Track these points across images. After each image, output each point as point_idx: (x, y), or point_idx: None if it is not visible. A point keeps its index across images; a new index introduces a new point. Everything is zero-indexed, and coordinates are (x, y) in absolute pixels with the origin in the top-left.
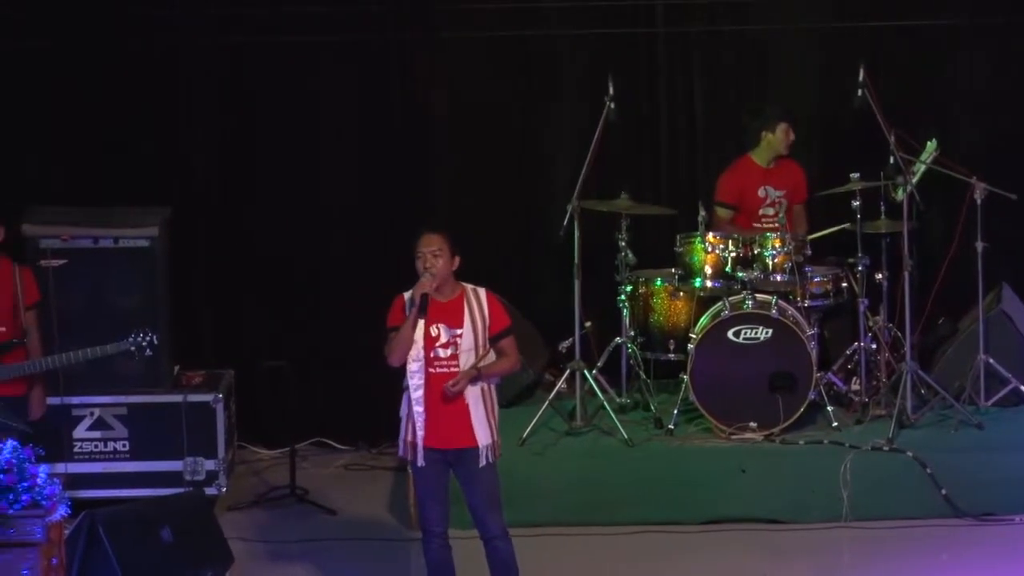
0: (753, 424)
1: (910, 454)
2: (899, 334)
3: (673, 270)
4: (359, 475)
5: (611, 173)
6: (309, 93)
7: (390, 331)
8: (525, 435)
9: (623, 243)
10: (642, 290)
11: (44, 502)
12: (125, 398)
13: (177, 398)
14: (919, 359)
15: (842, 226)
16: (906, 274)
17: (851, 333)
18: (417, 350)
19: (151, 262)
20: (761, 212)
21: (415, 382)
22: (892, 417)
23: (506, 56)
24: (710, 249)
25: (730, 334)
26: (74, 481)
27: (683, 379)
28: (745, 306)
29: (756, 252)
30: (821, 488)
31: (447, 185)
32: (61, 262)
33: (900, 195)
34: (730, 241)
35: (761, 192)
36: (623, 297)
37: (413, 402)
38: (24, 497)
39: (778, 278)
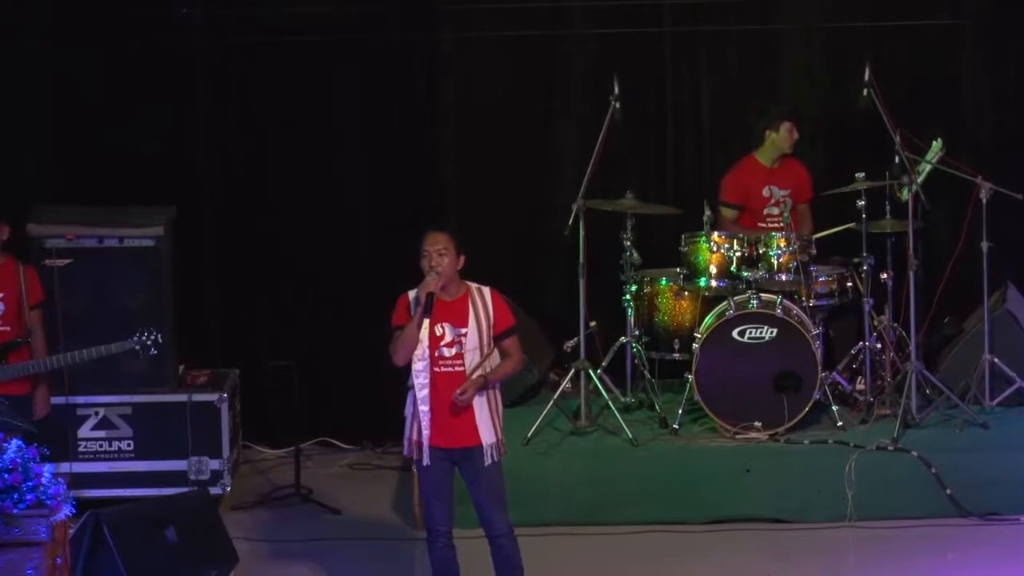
0: (758, 424)
1: (915, 454)
2: (904, 334)
3: (678, 269)
4: (364, 474)
5: (616, 173)
6: (315, 93)
7: (395, 330)
8: (530, 434)
9: (628, 242)
10: (647, 289)
11: (49, 501)
12: (130, 397)
13: (182, 398)
14: (924, 359)
15: (847, 226)
16: (911, 274)
17: (856, 333)
18: (422, 349)
19: (156, 262)
20: (766, 212)
21: (420, 381)
22: (897, 417)
23: (512, 56)
24: (715, 249)
25: (735, 333)
26: (79, 480)
27: (688, 379)
28: (750, 306)
29: (761, 252)
30: (826, 488)
31: (453, 184)
32: (66, 262)
33: (905, 195)
34: (735, 241)
35: (766, 192)
36: (628, 296)
37: (418, 401)
38: (29, 496)
39: (783, 278)
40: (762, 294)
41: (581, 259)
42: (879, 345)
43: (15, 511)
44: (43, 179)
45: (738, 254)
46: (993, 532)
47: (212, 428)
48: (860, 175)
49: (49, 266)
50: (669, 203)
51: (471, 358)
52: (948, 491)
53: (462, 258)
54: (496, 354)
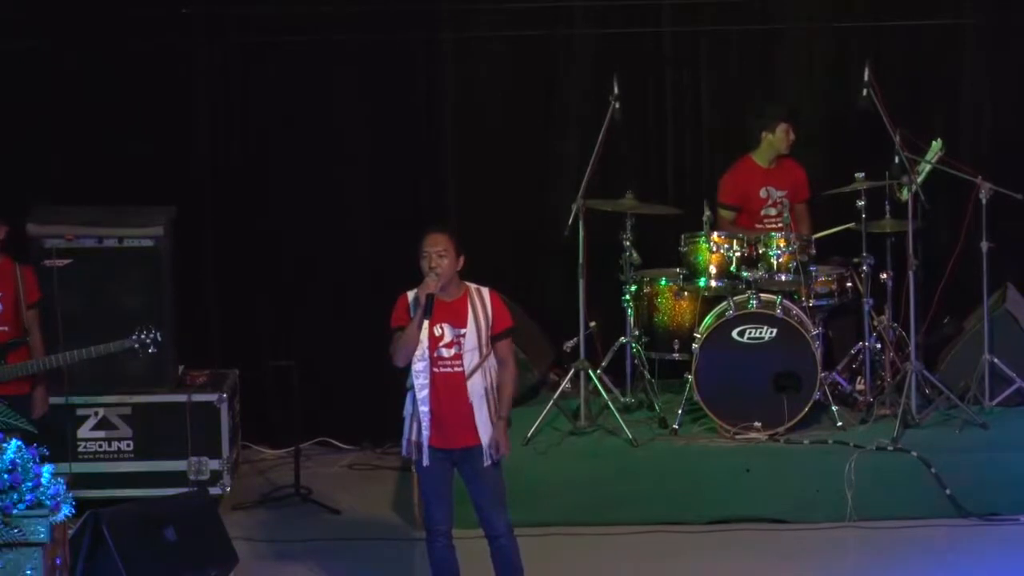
0: (758, 424)
1: (915, 454)
2: (904, 334)
3: (678, 270)
4: (363, 475)
5: (616, 173)
6: (317, 93)
7: (394, 331)
8: (529, 435)
9: (628, 243)
10: (647, 290)
11: (48, 502)
12: (129, 398)
13: (181, 398)
14: (924, 359)
15: (846, 226)
16: (911, 274)
17: (856, 333)
18: (422, 350)
19: (156, 262)
20: (763, 213)
21: (420, 382)
22: (897, 417)
23: (512, 56)
24: (715, 249)
25: (735, 334)
26: (78, 481)
27: (687, 379)
28: (750, 306)
29: (761, 252)
30: (826, 488)
31: (453, 184)
32: (66, 262)
33: (905, 195)
34: (735, 241)
35: (763, 193)
36: (628, 297)
37: (418, 401)
38: (28, 497)
39: (783, 278)
40: (762, 294)
41: (581, 259)
42: (879, 345)
43: (15, 511)
44: (43, 179)
45: (738, 254)
46: (993, 532)
47: (212, 428)
48: (860, 175)
49: (49, 266)
50: (669, 203)
51: (470, 359)
52: (948, 491)
53: (461, 259)
54: (492, 359)
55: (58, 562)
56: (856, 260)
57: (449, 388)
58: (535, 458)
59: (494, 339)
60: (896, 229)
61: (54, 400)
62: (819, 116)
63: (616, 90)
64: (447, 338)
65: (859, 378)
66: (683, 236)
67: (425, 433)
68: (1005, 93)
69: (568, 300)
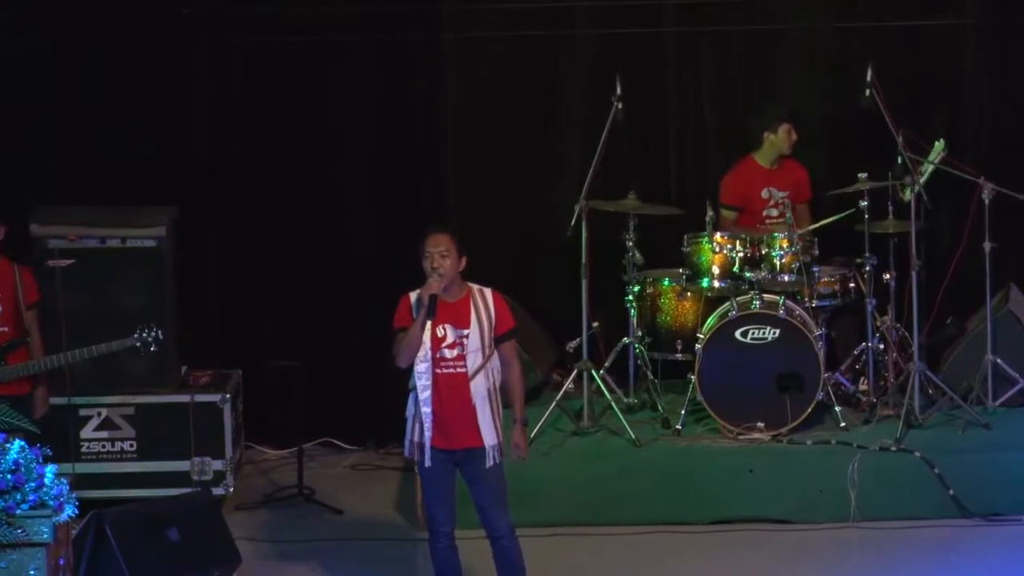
0: (761, 424)
1: (918, 454)
2: (907, 334)
3: (681, 270)
4: (366, 475)
5: (619, 173)
6: (319, 93)
7: (397, 332)
8: (532, 435)
9: (631, 243)
10: (650, 290)
11: (51, 502)
12: (132, 398)
13: (184, 398)
14: (927, 359)
15: (848, 212)
16: (914, 274)
17: (859, 333)
18: (424, 351)
19: (159, 262)
20: (765, 213)
21: (423, 383)
22: (900, 417)
23: (514, 56)
24: (718, 249)
25: (738, 334)
26: (81, 481)
27: (691, 379)
28: (753, 306)
29: (764, 252)
30: (829, 488)
31: (455, 185)
32: (68, 262)
33: (908, 195)
34: (738, 241)
35: (765, 193)
36: (631, 297)
37: (420, 402)
38: (31, 497)
39: (786, 278)
40: (765, 295)
41: (583, 260)
42: (882, 346)
43: (18, 512)
44: (43, 179)
45: (740, 255)
46: (996, 533)
47: (215, 429)
48: (862, 175)
49: (52, 266)
50: (672, 204)
51: (473, 359)
52: (951, 492)
53: (464, 259)
54: (496, 360)
55: (61, 562)
56: (859, 260)
57: (452, 389)
58: (538, 458)
59: (498, 341)
60: (899, 229)
61: (57, 401)
62: (821, 116)
63: (619, 90)
64: (449, 339)
65: (862, 378)
66: (686, 236)
67: (427, 434)
68: (1007, 93)
69: (571, 300)
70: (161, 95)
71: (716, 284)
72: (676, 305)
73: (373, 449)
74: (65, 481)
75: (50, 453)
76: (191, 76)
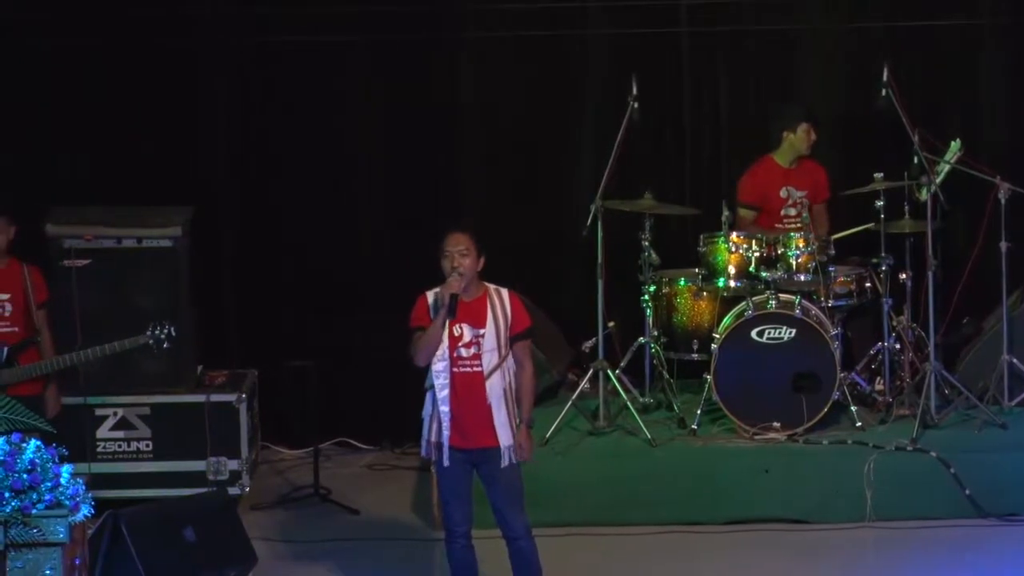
0: (776, 424)
1: (934, 454)
2: (923, 334)
3: (697, 270)
4: (382, 475)
5: (635, 173)
6: (334, 93)
7: (414, 331)
8: (548, 435)
9: (647, 243)
10: (666, 290)
11: (67, 502)
12: (148, 398)
13: (200, 398)
14: (943, 359)
15: (865, 226)
16: (930, 274)
17: (875, 333)
18: (442, 350)
19: (174, 262)
20: (783, 213)
21: (440, 382)
22: (916, 417)
23: (530, 56)
24: (734, 249)
25: (754, 334)
26: (97, 481)
27: (706, 379)
28: (769, 306)
29: (780, 252)
30: (845, 488)
31: (470, 184)
32: (84, 262)
33: (924, 195)
34: (754, 241)
35: (783, 193)
36: (646, 297)
37: (438, 402)
38: (47, 497)
39: (802, 278)
40: (781, 294)
41: (599, 259)
42: (898, 345)
43: (34, 511)
44: (59, 179)
45: (756, 254)
46: (1012, 533)
47: (231, 428)
48: (879, 175)
49: (68, 266)
50: (687, 203)
51: (489, 359)
52: (967, 491)
53: (482, 259)
54: (511, 360)
55: (77, 562)
56: (875, 260)
57: (468, 388)
58: (554, 458)
59: (512, 340)
60: (915, 229)
61: (73, 400)
62: (836, 116)
63: (635, 90)
64: (466, 338)
65: (878, 378)
66: (702, 236)
67: (445, 433)
68: (1023, 93)
69: (586, 300)
70: (177, 95)
71: (732, 284)
72: (692, 305)
73: (389, 449)
74: (81, 481)
75: (66, 453)
76: (207, 76)
